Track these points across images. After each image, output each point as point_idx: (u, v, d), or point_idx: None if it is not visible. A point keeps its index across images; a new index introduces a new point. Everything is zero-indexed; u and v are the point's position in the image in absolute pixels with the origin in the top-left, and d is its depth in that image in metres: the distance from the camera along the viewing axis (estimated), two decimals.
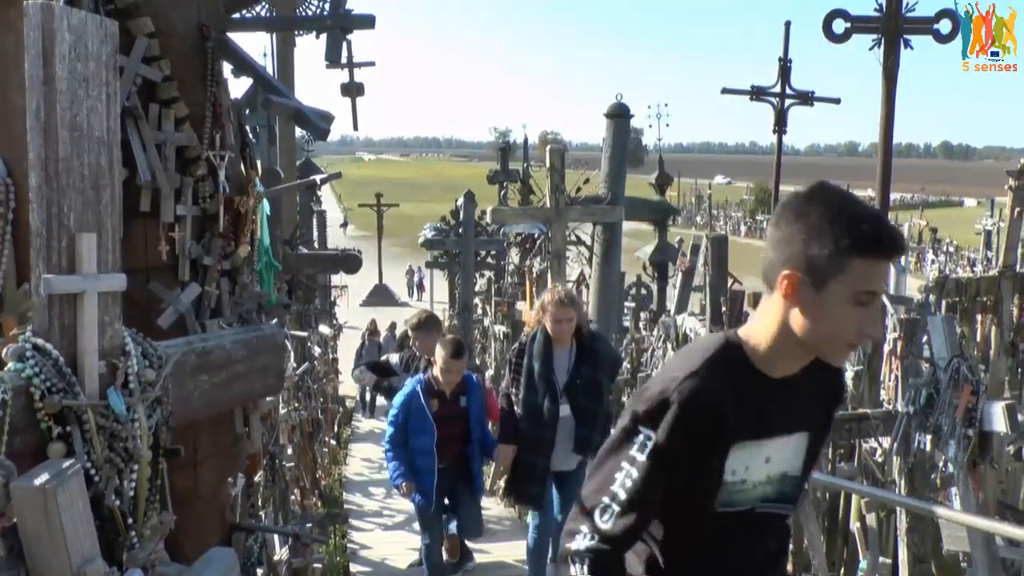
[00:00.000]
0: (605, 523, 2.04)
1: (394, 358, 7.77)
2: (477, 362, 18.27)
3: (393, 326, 21.56)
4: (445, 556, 6.66)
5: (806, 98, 13.58)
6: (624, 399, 10.01)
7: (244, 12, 4.10)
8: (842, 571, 5.61)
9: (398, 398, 6.10)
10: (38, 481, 1.79)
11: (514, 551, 7.72)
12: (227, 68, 3.78)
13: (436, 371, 6.02)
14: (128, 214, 2.72)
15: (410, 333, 7.10)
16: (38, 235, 1.99)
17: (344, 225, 61.70)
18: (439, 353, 5.95)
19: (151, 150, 2.92)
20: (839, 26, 10.57)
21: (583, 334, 5.82)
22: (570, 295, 5.90)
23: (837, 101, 13.94)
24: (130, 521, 2.17)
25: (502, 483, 7.14)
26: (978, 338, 7.31)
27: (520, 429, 5.81)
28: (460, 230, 20.42)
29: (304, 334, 10.61)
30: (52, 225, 2.00)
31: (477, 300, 22.43)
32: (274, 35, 12.36)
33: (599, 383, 5.81)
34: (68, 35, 1.98)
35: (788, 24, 13.45)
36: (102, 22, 2.10)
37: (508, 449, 5.84)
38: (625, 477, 2.04)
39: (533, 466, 5.77)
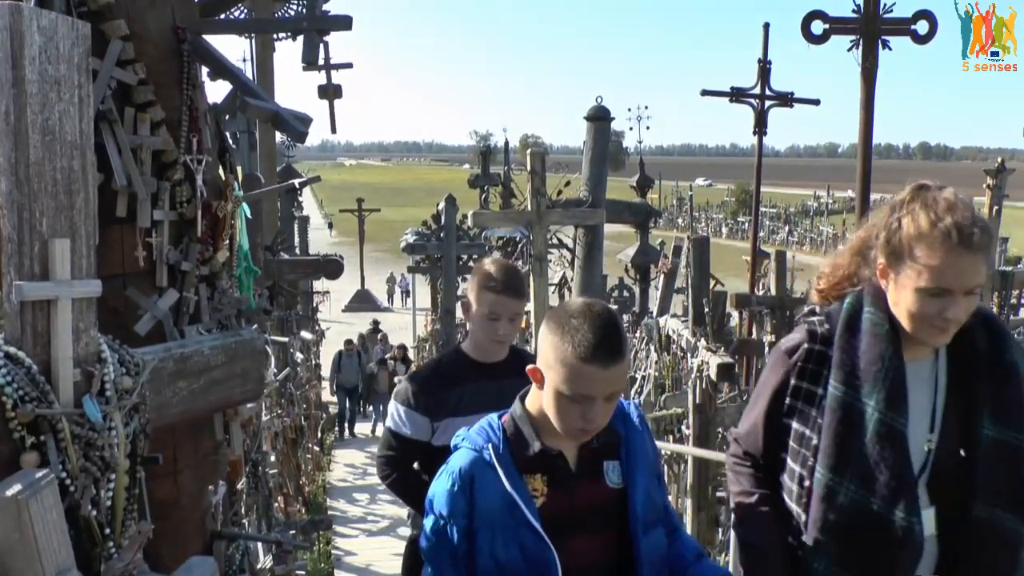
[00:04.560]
0: None
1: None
2: None
3: (365, 335, 21.47)
4: None
5: (786, 99, 13.61)
6: None
7: (221, 14, 4.06)
8: None
9: (439, 488, 2.34)
10: (10, 492, 1.75)
11: None
12: (204, 72, 3.75)
13: (543, 399, 2.27)
14: (104, 219, 2.68)
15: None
16: (9, 241, 1.95)
17: (330, 227, 62.12)
18: (548, 343, 2.20)
19: (127, 154, 2.88)
20: (817, 27, 10.62)
21: (975, 328, 2.37)
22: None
23: (816, 102, 13.98)
24: (107, 531, 2.13)
25: None
26: None
27: (807, 556, 2.35)
28: (442, 234, 20.37)
29: (286, 340, 10.57)
30: (24, 230, 1.96)
31: (459, 304, 22.40)
32: (253, 39, 12.30)
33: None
34: (38, 37, 1.94)
35: (767, 25, 13.50)
36: (74, 23, 2.06)
37: None
38: None
39: None
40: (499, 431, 2.33)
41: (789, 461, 2.39)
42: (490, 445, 2.28)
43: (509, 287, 3.25)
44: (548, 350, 2.18)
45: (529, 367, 2.27)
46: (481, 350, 3.39)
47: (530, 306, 10.05)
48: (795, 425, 2.37)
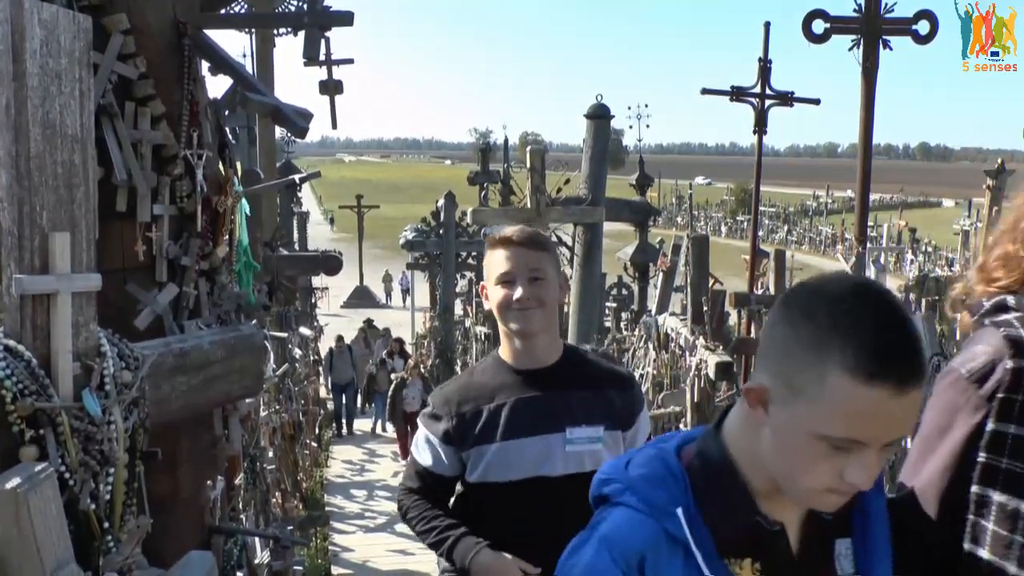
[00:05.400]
0: None
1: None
2: (458, 366, 18.26)
3: (366, 329, 21.47)
4: None
5: (786, 99, 13.56)
6: None
7: (221, 9, 4.06)
8: None
9: (582, 571, 1.35)
10: (9, 485, 1.75)
11: None
12: (205, 66, 3.74)
13: (765, 437, 1.31)
14: (104, 214, 2.68)
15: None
16: (9, 234, 1.95)
17: (331, 222, 62.55)
18: (789, 345, 1.26)
19: (127, 149, 2.88)
20: (819, 27, 10.65)
21: None
22: None
23: (817, 102, 13.93)
24: (106, 525, 2.13)
25: None
26: (957, 335, 7.38)
27: None
28: (441, 231, 20.39)
29: (284, 335, 10.56)
30: (24, 224, 1.96)
31: (458, 301, 22.40)
32: (253, 35, 12.31)
33: None
34: (39, 30, 1.94)
35: (768, 24, 13.46)
36: (75, 17, 2.06)
37: None
38: None
39: None
40: (683, 481, 1.36)
41: (987, 555, 1.37)
42: (680, 509, 1.32)
43: (522, 236, 2.48)
44: (789, 357, 1.24)
45: (746, 385, 1.33)
46: (515, 352, 2.55)
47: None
48: (997, 497, 1.35)
